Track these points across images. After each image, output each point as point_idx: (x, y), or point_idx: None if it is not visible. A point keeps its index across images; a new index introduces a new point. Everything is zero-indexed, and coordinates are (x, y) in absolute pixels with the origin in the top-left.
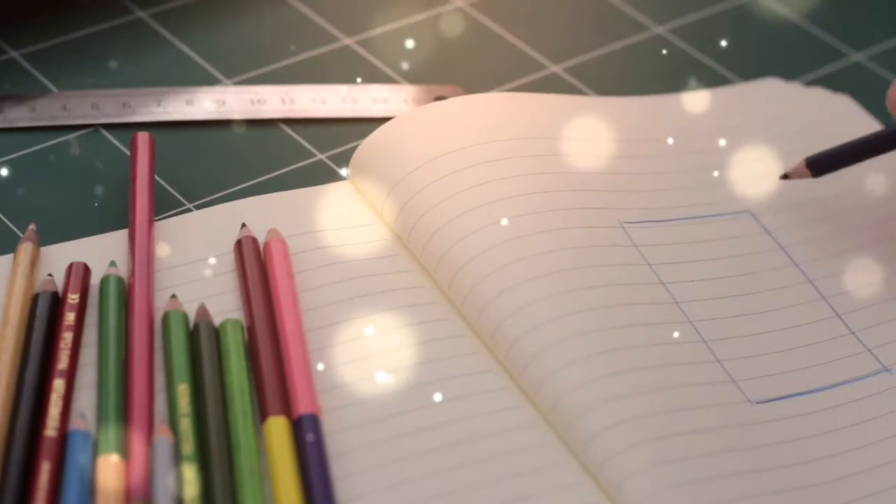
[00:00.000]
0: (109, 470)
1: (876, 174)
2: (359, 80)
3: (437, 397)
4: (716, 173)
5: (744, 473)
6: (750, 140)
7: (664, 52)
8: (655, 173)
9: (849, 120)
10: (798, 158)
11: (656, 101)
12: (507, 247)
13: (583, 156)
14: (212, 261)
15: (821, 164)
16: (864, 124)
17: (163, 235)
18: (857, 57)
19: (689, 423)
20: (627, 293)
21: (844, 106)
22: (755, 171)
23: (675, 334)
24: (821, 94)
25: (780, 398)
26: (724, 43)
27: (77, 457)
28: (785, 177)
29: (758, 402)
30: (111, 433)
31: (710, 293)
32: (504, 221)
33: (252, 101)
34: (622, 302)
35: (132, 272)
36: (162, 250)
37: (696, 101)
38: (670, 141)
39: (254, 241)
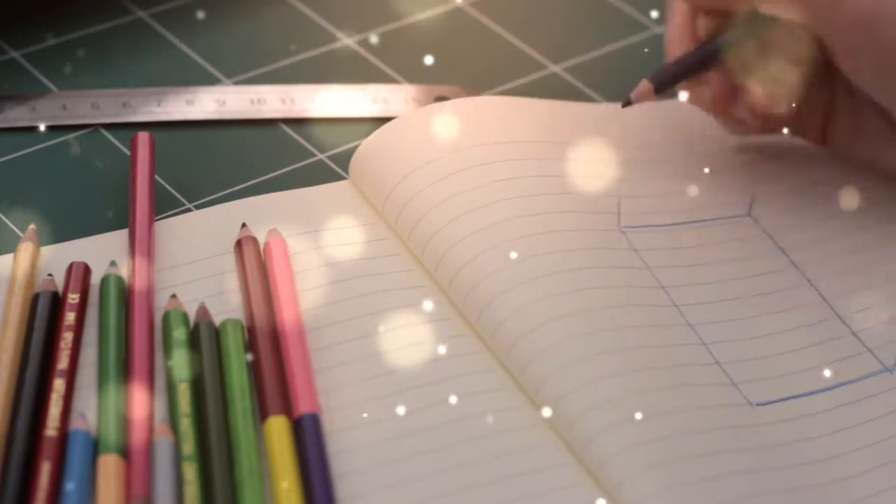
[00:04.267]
0: (109, 470)
1: (874, 176)
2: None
3: (438, 397)
4: (715, 177)
5: (744, 474)
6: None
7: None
8: (655, 178)
9: None
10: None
11: (656, 107)
12: (508, 247)
13: (583, 160)
14: (212, 261)
15: (664, 82)
16: None
17: (163, 235)
18: None
19: (690, 423)
20: (627, 295)
21: None
22: (753, 175)
23: (675, 337)
24: None
25: (781, 400)
26: None
27: (77, 457)
28: (628, 103)
29: (758, 405)
30: (111, 433)
31: (710, 296)
32: (505, 223)
33: (252, 101)
34: (622, 304)
35: (132, 272)
36: (162, 250)
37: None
38: (670, 146)
39: (254, 241)
